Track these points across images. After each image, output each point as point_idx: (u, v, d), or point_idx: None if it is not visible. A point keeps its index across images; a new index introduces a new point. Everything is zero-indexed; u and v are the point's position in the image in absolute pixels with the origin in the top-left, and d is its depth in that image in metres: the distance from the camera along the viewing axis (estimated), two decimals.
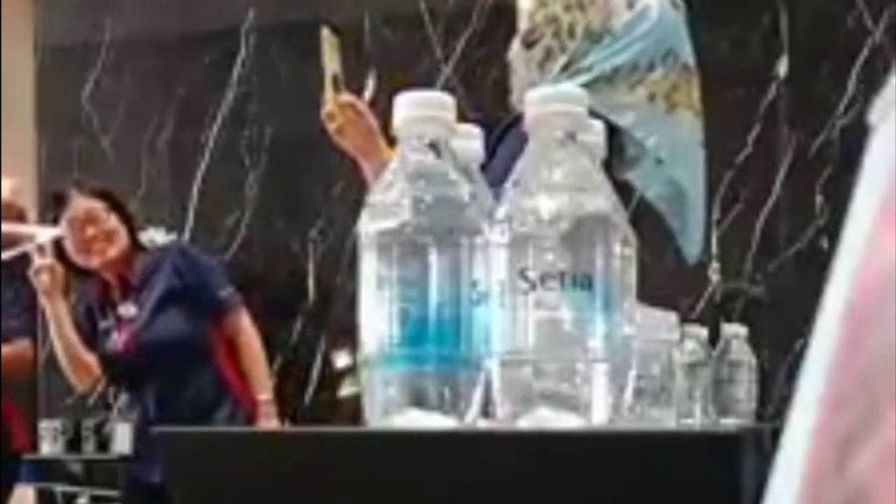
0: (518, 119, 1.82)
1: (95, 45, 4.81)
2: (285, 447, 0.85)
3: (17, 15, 4.77)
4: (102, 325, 3.13)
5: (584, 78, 1.72)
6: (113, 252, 3.07)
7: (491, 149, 1.73)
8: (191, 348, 3.04)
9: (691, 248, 1.86)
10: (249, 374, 3.10)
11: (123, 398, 3.39)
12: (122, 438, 2.88)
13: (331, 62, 2.03)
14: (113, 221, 3.11)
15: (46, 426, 4.52)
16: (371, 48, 4.45)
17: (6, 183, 2.35)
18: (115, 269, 3.10)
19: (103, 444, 4.52)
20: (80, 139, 4.79)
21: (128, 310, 3.08)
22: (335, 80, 2.01)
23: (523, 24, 1.84)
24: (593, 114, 1.83)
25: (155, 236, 3.67)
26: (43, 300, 3.08)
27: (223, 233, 4.59)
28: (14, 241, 2.18)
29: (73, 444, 4.52)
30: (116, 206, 3.18)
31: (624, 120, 1.71)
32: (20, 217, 2.22)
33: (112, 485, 3.91)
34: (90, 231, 3.07)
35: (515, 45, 1.85)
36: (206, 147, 4.62)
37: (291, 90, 4.47)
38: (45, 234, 2.39)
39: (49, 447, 4.47)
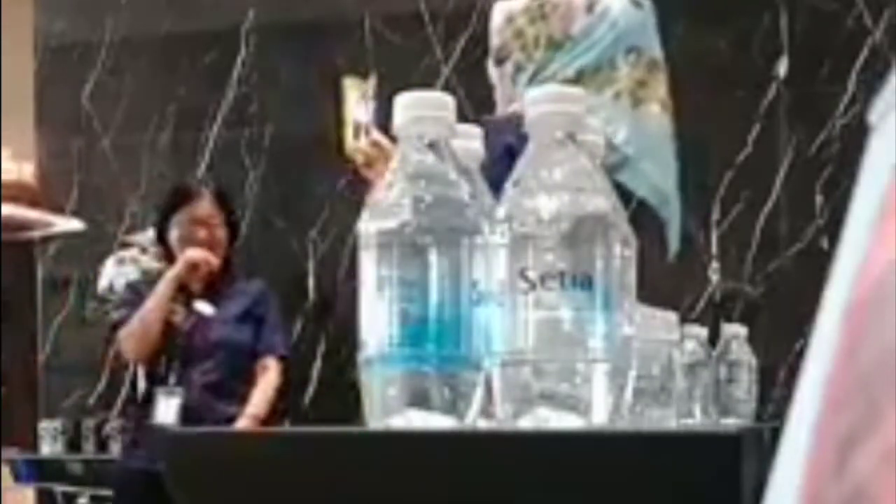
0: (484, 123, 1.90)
1: (95, 45, 4.80)
2: (285, 447, 0.85)
3: (17, 15, 4.77)
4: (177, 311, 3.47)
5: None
6: (213, 261, 3.44)
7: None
8: (243, 358, 3.47)
9: (672, 241, 1.88)
10: (254, 394, 3.48)
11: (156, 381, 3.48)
12: (166, 410, 3.11)
13: (354, 110, 2.07)
14: (221, 233, 3.50)
15: (46, 426, 4.52)
16: (371, 48, 4.45)
17: (26, 166, 2.34)
18: (204, 273, 3.45)
19: (103, 444, 4.52)
20: (80, 139, 4.79)
21: (205, 308, 3.45)
22: (357, 127, 2.05)
23: (494, 42, 1.89)
24: None
25: (155, 236, 3.67)
26: (173, 276, 3.39)
27: None
28: (28, 226, 2.17)
29: (73, 444, 4.52)
30: (231, 222, 3.57)
31: (594, 119, 1.73)
32: (34, 202, 2.22)
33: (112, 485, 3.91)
34: (202, 234, 3.44)
35: (490, 64, 1.90)
36: (206, 147, 4.62)
37: (291, 90, 4.46)
38: (68, 224, 2.41)
39: (49, 447, 4.47)
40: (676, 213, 1.85)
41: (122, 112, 4.77)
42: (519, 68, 1.83)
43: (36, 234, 2.15)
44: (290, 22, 4.55)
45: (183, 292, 3.46)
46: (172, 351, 3.44)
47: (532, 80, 1.80)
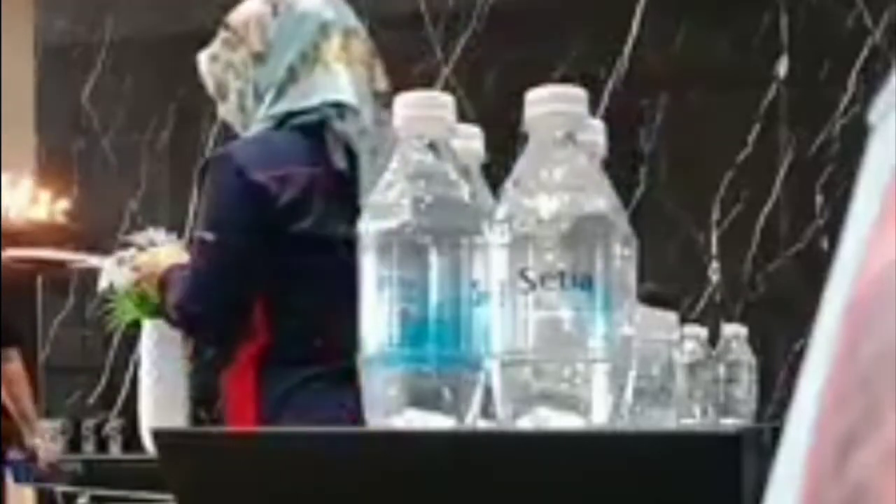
0: (209, 160, 1.94)
1: (95, 45, 4.81)
2: (285, 447, 0.85)
3: (17, 15, 4.77)
4: None
5: (271, 93, 1.90)
6: None
7: (199, 185, 1.92)
8: None
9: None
10: None
11: None
12: None
13: None
14: None
15: (46, 426, 4.52)
16: None
17: (60, 203, 2.31)
18: None
19: (103, 444, 4.52)
20: (80, 139, 4.79)
21: None
22: None
23: (210, 86, 2.02)
24: (296, 127, 1.89)
25: (155, 236, 3.67)
26: None
27: None
28: (62, 264, 2.16)
29: (73, 444, 4.52)
30: None
31: (316, 96, 1.88)
32: (66, 242, 2.18)
33: (112, 485, 3.91)
34: None
35: (218, 108, 2.03)
36: (206, 147, 4.62)
37: None
38: (93, 261, 2.36)
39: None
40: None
41: (122, 112, 4.77)
42: (241, 95, 1.96)
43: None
44: None
45: None
46: None
47: (255, 97, 1.93)
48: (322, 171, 1.86)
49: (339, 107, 1.88)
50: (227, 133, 2.17)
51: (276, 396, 1.87)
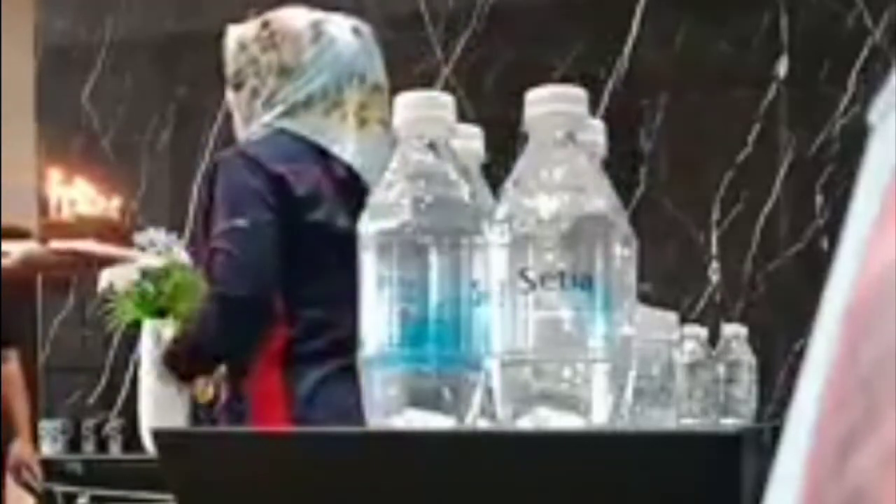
0: (223, 157, 1.95)
1: (95, 45, 4.81)
2: (285, 447, 0.85)
3: (17, 15, 4.77)
4: None
5: (281, 108, 1.96)
6: None
7: (208, 184, 1.93)
8: None
9: None
10: None
11: None
12: None
13: None
14: None
15: (46, 426, 4.52)
16: None
17: (114, 200, 2.30)
18: None
19: (103, 444, 4.52)
20: (80, 139, 4.79)
21: None
22: None
23: (230, 68, 2.05)
24: (299, 138, 1.93)
25: (154, 236, 3.67)
26: None
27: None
28: (108, 262, 2.15)
29: (73, 444, 4.52)
30: None
31: (324, 139, 1.94)
32: (115, 237, 2.16)
33: (112, 485, 3.91)
34: None
35: (227, 89, 2.07)
36: (206, 147, 4.62)
37: None
38: (150, 259, 2.32)
39: (49, 447, 4.47)
40: None
41: (122, 112, 4.77)
42: (254, 93, 1.99)
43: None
44: None
45: None
46: None
47: (266, 104, 1.97)
48: (327, 169, 1.92)
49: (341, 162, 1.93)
50: (228, 134, 2.17)
51: (304, 394, 1.88)
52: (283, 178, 1.88)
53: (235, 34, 2.05)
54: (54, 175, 2.25)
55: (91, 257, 2.15)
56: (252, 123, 1.99)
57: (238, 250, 1.87)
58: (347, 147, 1.93)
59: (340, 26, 2.01)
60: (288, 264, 1.88)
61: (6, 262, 2.11)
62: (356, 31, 2.03)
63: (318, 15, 2.02)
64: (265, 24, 2.01)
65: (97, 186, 2.30)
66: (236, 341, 1.94)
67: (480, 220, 0.81)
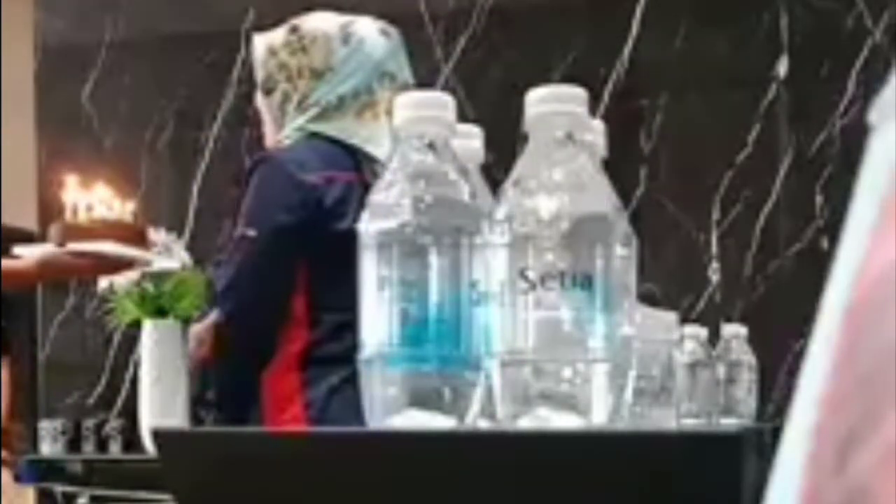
0: (259, 161, 1.96)
1: (95, 45, 4.80)
2: (285, 447, 0.85)
3: (17, 15, 4.77)
4: None
5: (314, 111, 1.98)
6: None
7: (244, 184, 1.95)
8: None
9: None
10: None
11: None
12: None
13: None
14: None
15: (46, 426, 4.52)
16: None
17: (129, 203, 2.29)
18: None
19: (103, 444, 4.52)
20: (80, 139, 4.78)
21: None
22: None
23: (259, 74, 2.07)
24: (332, 140, 1.95)
25: (154, 236, 3.67)
26: None
27: (223, 233, 4.59)
28: (125, 265, 2.15)
29: (73, 444, 4.52)
30: None
31: (358, 139, 1.95)
32: (132, 239, 2.16)
33: (112, 485, 3.91)
34: None
35: (258, 94, 2.08)
36: (206, 147, 4.62)
37: None
38: (169, 262, 2.30)
39: (49, 447, 4.47)
40: None
41: (122, 112, 4.77)
42: (286, 98, 2.01)
43: (136, 272, 2.14)
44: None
45: None
46: None
47: (299, 107, 1.99)
48: (360, 171, 1.94)
49: (375, 160, 1.94)
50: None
51: (321, 395, 1.90)
52: (316, 188, 1.89)
53: (264, 41, 2.06)
54: (67, 179, 2.25)
55: (113, 260, 2.15)
56: (284, 128, 2.01)
57: (240, 261, 1.92)
58: (382, 145, 1.94)
59: (369, 28, 2.03)
60: (313, 270, 1.90)
61: (22, 264, 2.11)
62: (384, 32, 2.05)
63: (346, 18, 2.04)
64: (294, 29, 2.03)
65: (97, 186, 2.29)
66: (239, 352, 2.00)
67: (480, 220, 0.81)
